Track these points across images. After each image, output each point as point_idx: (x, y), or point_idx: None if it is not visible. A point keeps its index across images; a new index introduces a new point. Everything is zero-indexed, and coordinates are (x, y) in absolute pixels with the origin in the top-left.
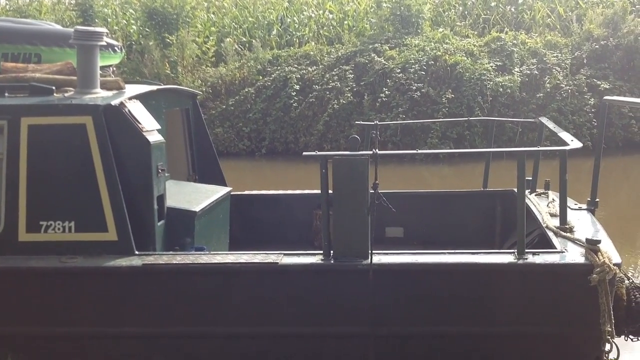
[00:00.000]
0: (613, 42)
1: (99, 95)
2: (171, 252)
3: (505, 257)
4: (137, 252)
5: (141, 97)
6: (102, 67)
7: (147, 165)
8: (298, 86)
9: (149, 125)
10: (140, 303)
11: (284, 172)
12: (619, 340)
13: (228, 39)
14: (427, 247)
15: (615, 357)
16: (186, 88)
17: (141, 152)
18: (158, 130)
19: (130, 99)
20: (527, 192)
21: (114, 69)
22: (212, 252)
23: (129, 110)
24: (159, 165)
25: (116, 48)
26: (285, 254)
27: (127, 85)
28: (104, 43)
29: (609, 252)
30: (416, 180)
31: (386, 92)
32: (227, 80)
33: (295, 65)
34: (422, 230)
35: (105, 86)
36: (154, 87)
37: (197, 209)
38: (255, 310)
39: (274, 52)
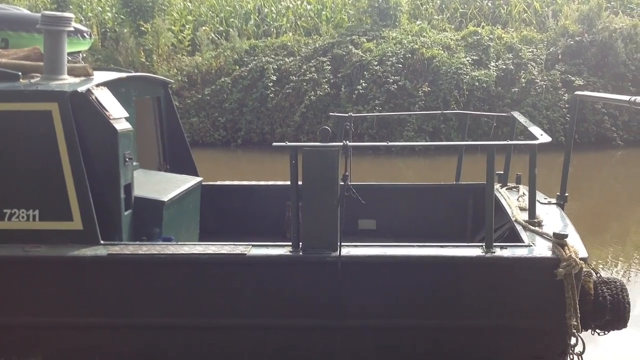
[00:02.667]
0: (588, 38)
1: (66, 81)
2: (137, 242)
3: (473, 251)
4: (102, 242)
5: (110, 85)
6: (71, 54)
7: (114, 154)
8: (275, 77)
9: (117, 113)
10: (105, 293)
11: (260, 163)
12: (586, 335)
13: (204, 28)
14: (400, 239)
15: (581, 350)
16: (158, 76)
17: (108, 140)
18: (126, 118)
19: (98, 85)
20: (498, 186)
21: (84, 55)
22: (179, 243)
23: (96, 98)
24: (127, 154)
25: (85, 34)
26: (253, 245)
27: (95, 72)
28: (72, 28)
29: (576, 246)
30: (392, 173)
31: (363, 84)
32: (203, 70)
33: (273, 56)
34: (395, 223)
35: (72, 72)
36: (124, 75)
37: (166, 198)
38: (223, 302)
39: (251, 42)
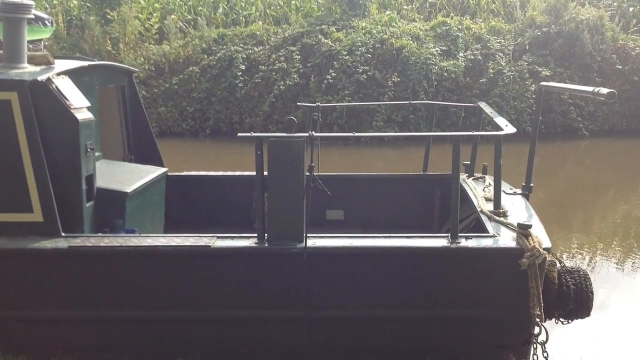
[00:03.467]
0: (555, 29)
1: (26, 70)
2: (99, 234)
3: (438, 241)
4: (63, 234)
5: (71, 73)
6: (32, 42)
7: (75, 144)
8: (244, 66)
9: (78, 102)
10: (66, 286)
11: (229, 154)
12: (550, 323)
13: (172, 16)
14: (367, 230)
15: (545, 340)
16: (122, 65)
17: (69, 130)
18: (88, 108)
19: (58, 74)
20: (464, 176)
21: (47, 43)
22: (142, 235)
23: (56, 87)
24: (88, 144)
25: (46, 21)
26: (218, 237)
27: (57, 61)
28: (32, 16)
29: (540, 236)
30: (361, 163)
31: (332, 74)
32: (171, 59)
33: (241, 45)
34: (363, 214)
35: (33, 61)
36: (86, 63)
37: (129, 189)
38: (187, 294)
39: (220, 30)
